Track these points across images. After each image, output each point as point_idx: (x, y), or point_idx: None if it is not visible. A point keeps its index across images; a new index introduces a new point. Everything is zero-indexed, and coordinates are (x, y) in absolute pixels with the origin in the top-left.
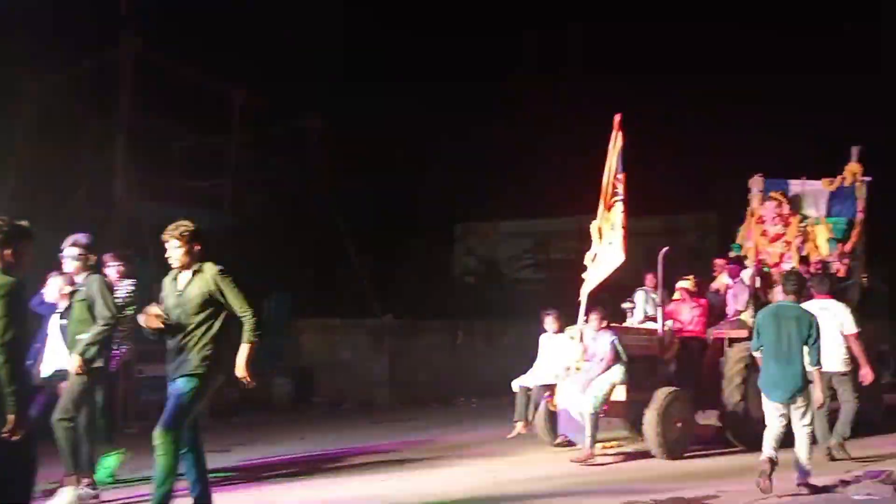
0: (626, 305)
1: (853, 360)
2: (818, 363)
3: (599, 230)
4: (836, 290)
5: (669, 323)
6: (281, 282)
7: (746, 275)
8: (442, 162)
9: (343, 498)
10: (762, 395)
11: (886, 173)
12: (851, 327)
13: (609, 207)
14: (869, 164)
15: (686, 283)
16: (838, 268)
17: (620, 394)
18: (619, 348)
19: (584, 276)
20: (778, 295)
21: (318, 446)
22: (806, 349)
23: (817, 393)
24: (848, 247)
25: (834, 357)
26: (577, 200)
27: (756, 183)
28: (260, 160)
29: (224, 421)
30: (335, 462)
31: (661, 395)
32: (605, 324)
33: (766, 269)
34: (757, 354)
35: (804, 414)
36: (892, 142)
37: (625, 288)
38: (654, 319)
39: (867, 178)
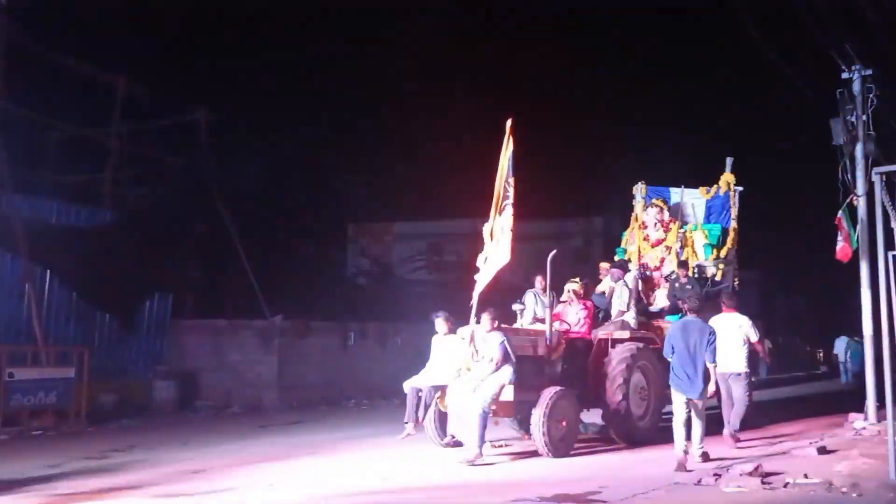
0: (516, 307)
1: (750, 363)
2: (714, 361)
3: (491, 233)
4: (711, 293)
5: (557, 324)
6: (164, 281)
7: (630, 278)
8: (336, 162)
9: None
10: (671, 389)
11: (753, 184)
12: (754, 336)
13: (500, 211)
14: (741, 174)
15: (574, 285)
16: (713, 272)
17: (509, 394)
18: (509, 349)
19: (476, 277)
20: (659, 299)
21: (201, 451)
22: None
23: (711, 384)
24: (722, 252)
25: (734, 360)
26: (471, 203)
27: (639, 190)
28: (143, 153)
29: (102, 426)
30: (218, 466)
31: (547, 394)
32: (495, 325)
33: (647, 273)
34: (670, 359)
35: (703, 404)
36: (761, 155)
37: (516, 289)
38: (543, 321)
39: (739, 188)
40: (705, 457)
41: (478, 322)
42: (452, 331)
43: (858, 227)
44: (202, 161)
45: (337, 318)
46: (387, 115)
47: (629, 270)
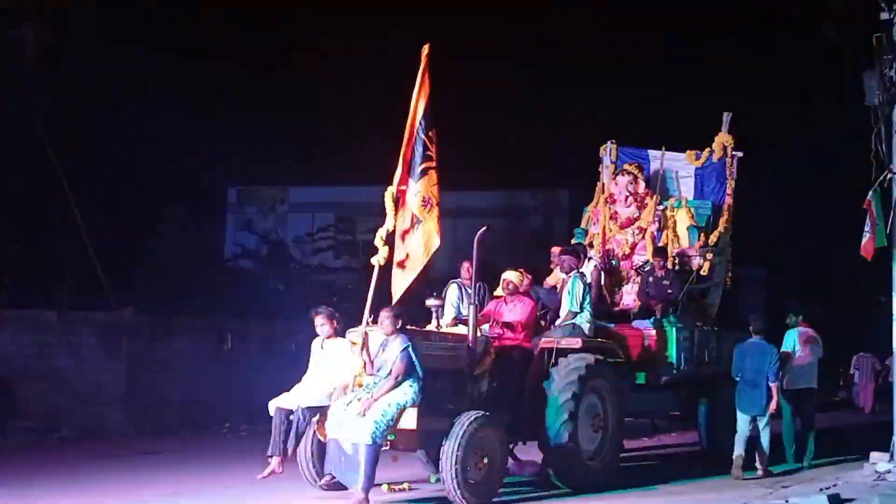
0: (431, 303)
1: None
2: (776, 380)
3: (397, 199)
4: (693, 291)
5: (486, 327)
6: None
7: (588, 268)
8: (213, 104)
9: None
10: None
11: (759, 150)
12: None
13: (413, 172)
14: (742, 136)
15: (512, 276)
16: (700, 263)
17: (411, 419)
18: (414, 358)
19: (372, 260)
20: (627, 296)
21: (15, 490)
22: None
23: (774, 403)
24: (712, 237)
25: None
26: (394, 164)
27: (608, 152)
28: None
29: None
30: None
31: (465, 421)
32: (398, 326)
33: (613, 262)
34: (737, 378)
35: (766, 423)
36: (770, 115)
37: (434, 281)
38: (467, 322)
39: (739, 154)
40: (767, 473)
41: (374, 322)
42: (339, 333)
43: (892, 213)
44: (27, 95)
45: (210, 313)
46: (282, 44)
47: (588, 258)
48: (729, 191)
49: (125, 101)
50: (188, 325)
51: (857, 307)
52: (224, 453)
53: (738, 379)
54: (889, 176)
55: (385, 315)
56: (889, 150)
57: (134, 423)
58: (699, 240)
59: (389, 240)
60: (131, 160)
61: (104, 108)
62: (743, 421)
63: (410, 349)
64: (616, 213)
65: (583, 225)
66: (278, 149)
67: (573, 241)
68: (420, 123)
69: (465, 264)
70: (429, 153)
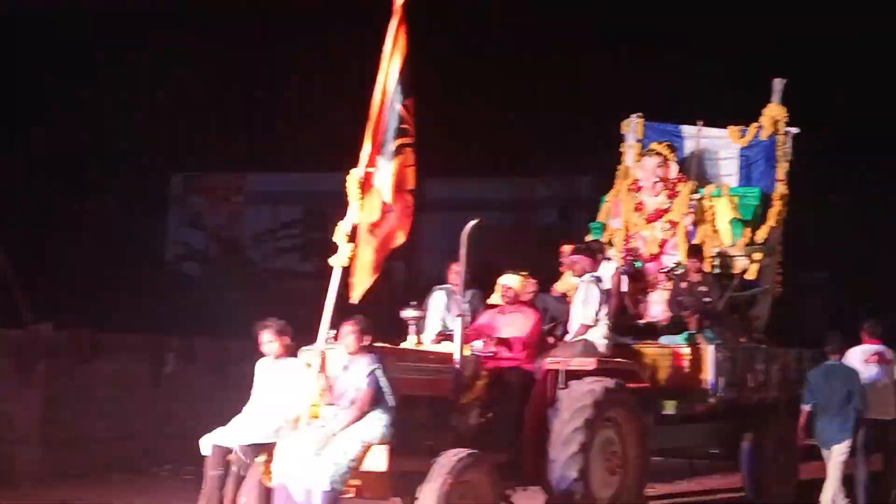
0: (408, 314)
1: None
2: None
3: (363, 183)
4: (736, 299)
5: (478, 344)
6: None
7: (606, 271)
8: (150, 73)
9: None
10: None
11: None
12: None
13: (380, 150)
14: (797, 108)
15: (512, 281)
16: (744, 265)
17: (380, 459)
18: (383, 383)
19: (331, 261)
20: (655, 306)
21: None
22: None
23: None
24: (760, 233)
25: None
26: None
27: (633, 128)
28: None
29: None
30: None
31: (448, 462)
32: (364, 343)
33: (638, 264)
34: (806, 408)
35: (837, 459)
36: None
37: (419, 287)
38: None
39: (794, 130)
40: None
41: (335, 339)
42: (291, 353)
43: None
44: None
45: (147, 328)
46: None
47: (606, 258)
48: (781, 176)
49: (40, 72)
50: (120, 343)
51: None
52: (162, 502)
53: (807, 408)
54: None
55: (348, 329)
56: None
57: (52, 464)
58: (744, 236)
59: (354, 235)
60: (49, 139)
61: (14, 81)
62: (826, 457)
63: (379, 372)
64: (642, 203)
65: (600, 218)
66: (233, 127)
67: (588, 238)
68: (396, 90)
69: (454, 266)
70: (404, 126)
